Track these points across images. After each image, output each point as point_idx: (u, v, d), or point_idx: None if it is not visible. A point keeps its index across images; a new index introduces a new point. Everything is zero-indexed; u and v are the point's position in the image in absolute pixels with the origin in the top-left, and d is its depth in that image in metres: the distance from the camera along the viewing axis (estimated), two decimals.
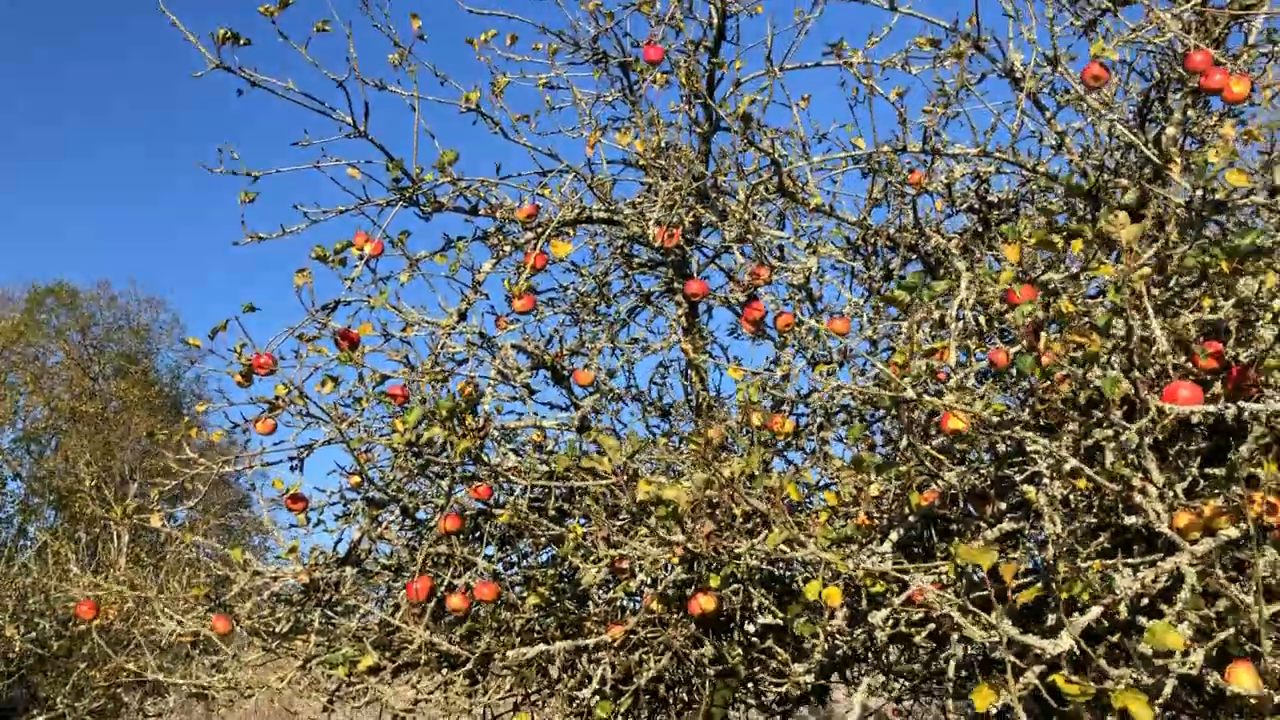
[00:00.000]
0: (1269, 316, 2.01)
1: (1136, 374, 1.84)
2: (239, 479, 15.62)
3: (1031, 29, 3.00)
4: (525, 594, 3.11)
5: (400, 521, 3.49)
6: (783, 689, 2.32)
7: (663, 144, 3.43)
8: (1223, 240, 1.98)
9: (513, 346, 3.23)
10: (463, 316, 3.45)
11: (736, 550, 2.22)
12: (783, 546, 2.03)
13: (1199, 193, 2.10)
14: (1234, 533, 1.95)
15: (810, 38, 3.59)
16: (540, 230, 3.38)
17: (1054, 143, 3.22)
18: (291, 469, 3.30)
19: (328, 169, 3.48)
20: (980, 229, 3.54)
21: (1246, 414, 1.86)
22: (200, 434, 3.50)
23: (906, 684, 4.77)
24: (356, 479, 3.46)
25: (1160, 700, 1.78)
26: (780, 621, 2.37)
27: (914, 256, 3.58)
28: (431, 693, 3.34)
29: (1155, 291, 2.44)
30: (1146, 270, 2.00)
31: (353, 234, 3.42)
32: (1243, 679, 1.71)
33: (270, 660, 3.41)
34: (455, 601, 2.88)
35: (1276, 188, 2.21)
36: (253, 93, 3.25)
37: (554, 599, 3.18)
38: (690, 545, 2.35)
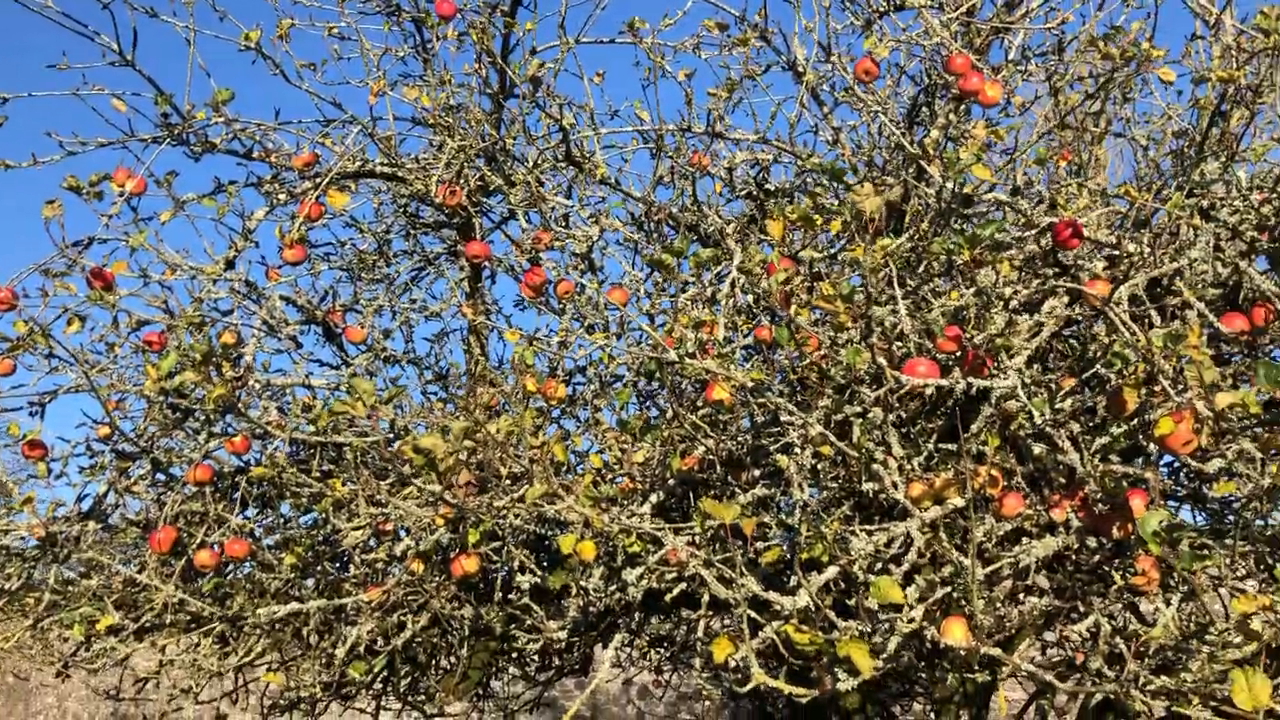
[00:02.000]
0: (1001, 304, 2.18)
1: (875, 340, 1.95)
2: None
3: (814, 23, 3.13)
4: (282, 555, 3.01)
5: (151, 476, 3.30)
6: (539, 646, 2.33)
7: (452, 102, 3.38)
8: (964, 231, 2.12)
9: (281, 298, 3.11)
10: (230, 264, 3.30)
11: (497, 505, 2.22)
12: (541, 501, 2.05)
13: (949, 185, 2.25)
14: (960, 502, 2.10)
15: (609, 13, 3.61)
16: (318, 180, 3.27)
17: (830, 137, 3.38)
18: (31, 414, 3.07)
19: (90, 98, 3.26)
20: (757, 215, 3.67)
21: (975, 389, 2.01)
22: None
23: (665, 653, 4.91)
24: (105, 429, 3.25)
25: (885, 654, 1.90)
26: (539, 581, 2.39)
27: (694, 237, 3.67)
28: (179, 655, 3.20)
29: (910, 282, 2.60)
30: (888, 242, 2.12)
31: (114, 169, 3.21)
32: (955, 633, 1.84)
33: None
34: (204, 558, 2.75)
35: (1018, 186, 2.39)
36: (8, 5, 3.00)
37: (313, 560, 3.10)
38: (448, 496, 2.33)
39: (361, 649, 2.83)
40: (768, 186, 3.68)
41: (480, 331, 3.73)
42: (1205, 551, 2.01)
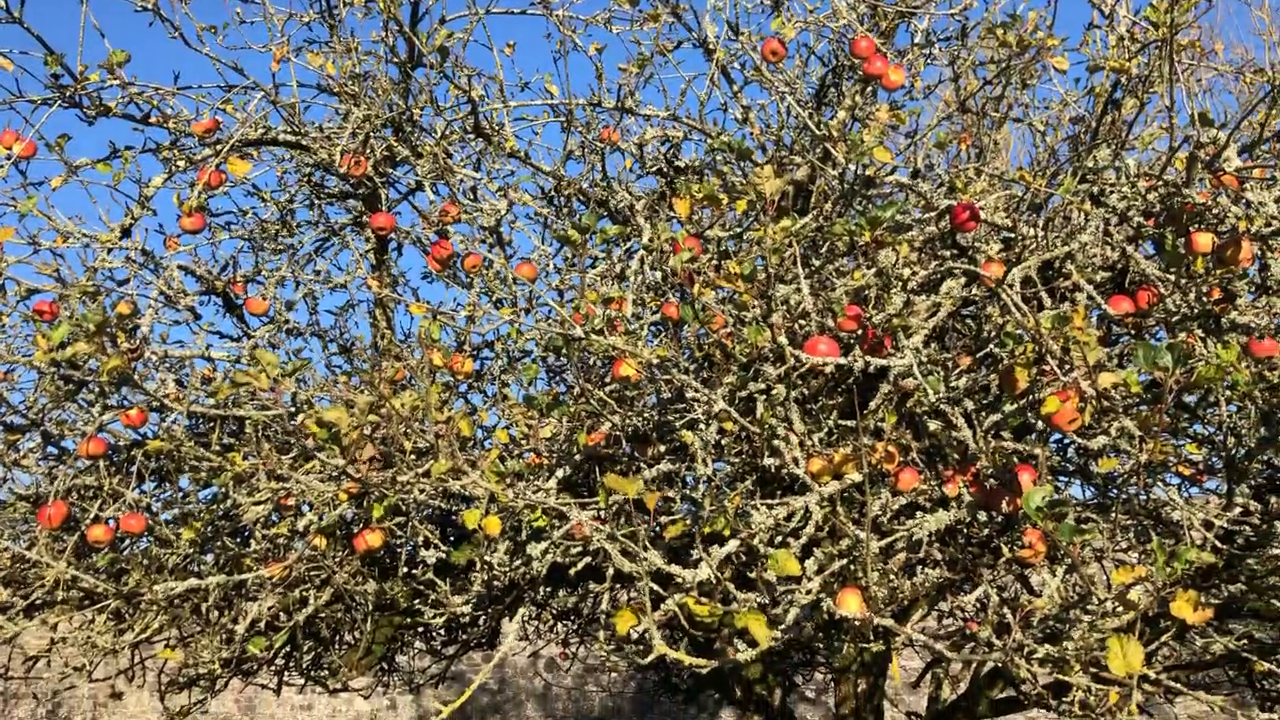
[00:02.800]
0: (899, 285, 2.23)
1: (777, 319, 1.98)
2: None
3: (723, 1, 3.15)
4: (180, 530, 2.95)
5: (42, 449, 3.20)
6: (444, 620, 2.33)
7: (358, 70, 3.32)
8: (865, 213, 2.17)
9: (180, 268, 3.03)
10: (126, 232, 3.20)
11: (401, 479, 2.21)
12: (446, 476, 2.04)
13: (852, 167, 2.29)
14: (857, 477, 2.16)
15: None
16: (219, 147, 3.19)
17: (739, 115, 3.40)
18: None
19: None
20: (667, 192, 3.69)
21: (873, 368, 2.06)
22: None
23: (572, 626, 4.94)
24: None
25: (783, 625, 1.95)
26: (444, 556, 2.39)
27: (605, 212, 3.68)
28: (72, 633, 3.12)
29: (815, 261, 2.65)
30: (790, 223, 2.16)
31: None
32: (850, 604, 1.90)
33: None
34: (97, 533, 2.68)
35: (918, 169, 2.45)
36: None
37: (212, 535, 3.04)
38: (351, 470, 2.31)
39: (263, 624, 2.80)
40: (678, 163, 3.70)
41: (386, 304, 3.69)
42: (1087, 525, 2.10)
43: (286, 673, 3.99)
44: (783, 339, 1.92)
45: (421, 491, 2.22)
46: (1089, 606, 1.94)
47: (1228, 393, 2.06)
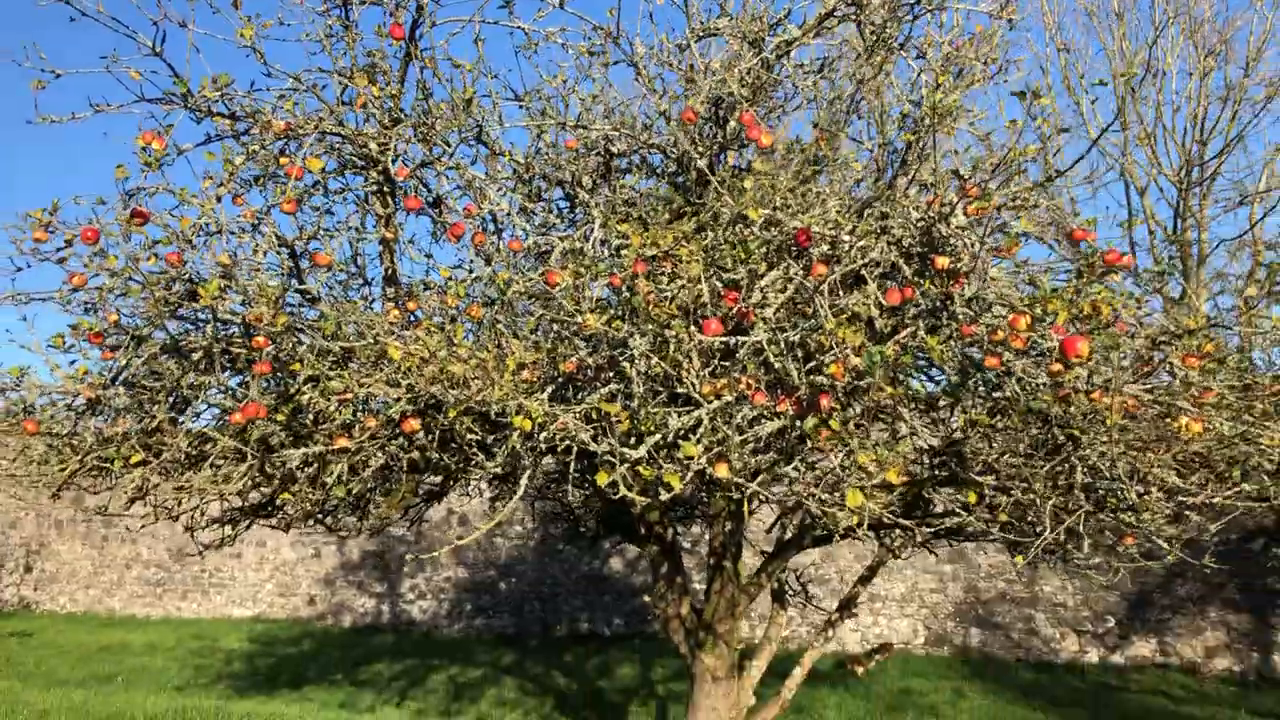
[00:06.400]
0: (758, 280, 3.76)
1: (684, 297, 3.50)
2: None
3: (663, 35, 4.56)
4: (276, 414, 4.37)
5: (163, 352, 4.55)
6: (476, 479, 3.85)
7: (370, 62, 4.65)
8: (743, 242, 3.68)
9: (274, 234, 4.37)
10: (219, 199, 4.51)
11: (452, 396, 3.69)
12: (475, 392, 3.53)
13: (735, 211, 3.79)
14: (731, 398, 3.71)
15: None
16: (289, 139, 4.50)
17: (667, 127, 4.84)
18: (86, 311, 4.26)
19: (116, 73, 4.34)
20: (605, 171, 5.13)
21: (739, 340, 3.60)
22: None
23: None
24: (114, 317, 4.46)
25: (684, 482, 3.51)
26: (477, 437, 3.90)
27: (559, 185, 5.10)
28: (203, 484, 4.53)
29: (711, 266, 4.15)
30: (686, 228, 3.65)
31: (134, 128, 4.33)
32: (722, 471, 3.47)
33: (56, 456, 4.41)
34: (237, 416, 4.09)
35: (776, 206, 3.95)
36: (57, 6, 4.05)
37: (294, 418, 4.47)
38: (416, 387, 3.77)
39: (342, 476, 4.27)
40: (613, 150, 5.13)
41: (391, 248, 5.07)
42: (856, 428, 3.71)
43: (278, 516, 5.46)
44: (679, 323, 3.44)
45: (464, 402, 3.70)
46: (849, 475, 3.56)
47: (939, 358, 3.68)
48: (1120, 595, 12.46)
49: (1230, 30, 17.23)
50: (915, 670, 12.08)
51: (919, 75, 4.47)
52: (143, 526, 5.46)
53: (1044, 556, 5.26)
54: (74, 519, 18.05)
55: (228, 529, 5.63)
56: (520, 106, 5.02)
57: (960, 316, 3.82)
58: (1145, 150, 17.91)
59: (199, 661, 12.97)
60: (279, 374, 4.35)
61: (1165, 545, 4.07)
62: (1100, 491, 3.92)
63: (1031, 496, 3.92)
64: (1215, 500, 3.97)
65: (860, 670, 11.95)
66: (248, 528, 5.75)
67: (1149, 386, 4.22)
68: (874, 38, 4.45)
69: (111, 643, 14.35)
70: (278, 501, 4.80)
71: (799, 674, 6.17)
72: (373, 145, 4.60)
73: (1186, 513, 4.34)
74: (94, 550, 17.90)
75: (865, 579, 6.23)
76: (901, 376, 3.84)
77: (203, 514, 5.33)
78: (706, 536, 12.44)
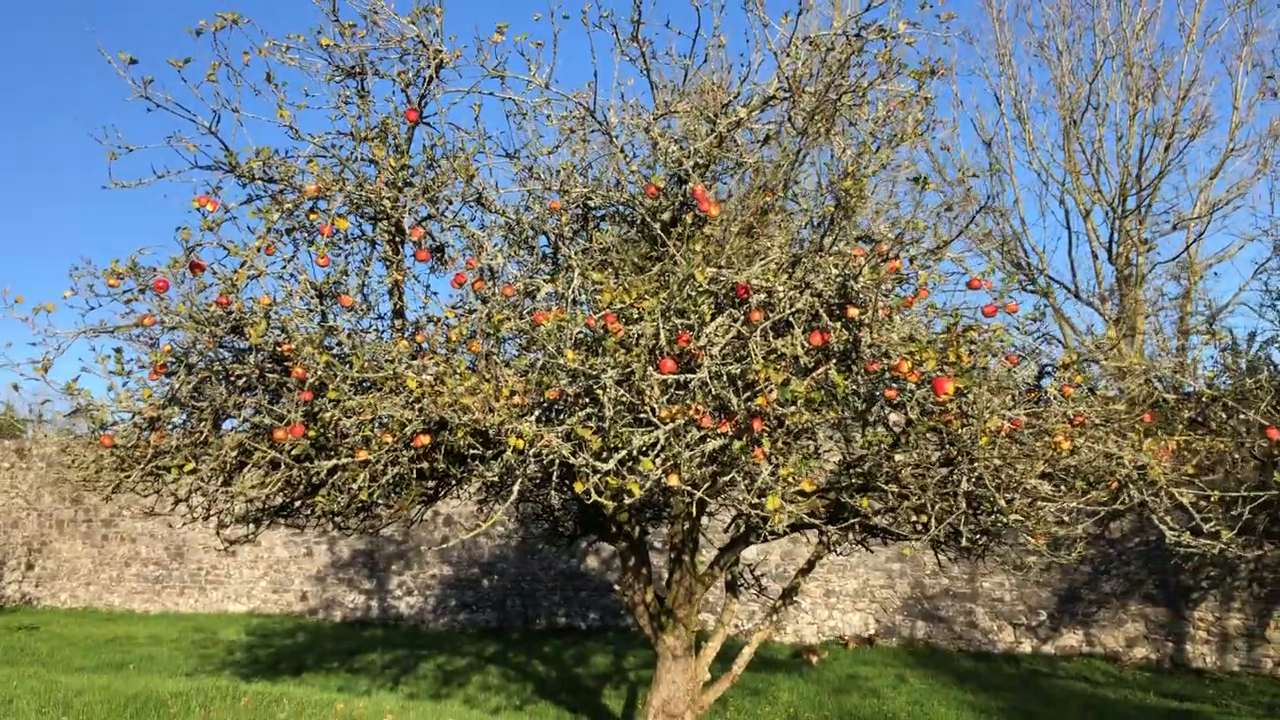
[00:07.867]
0: (707, 325, 4.67)
1: (646, 341, 4.42)
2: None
3: (622, 150, 5.49)
4: (308, 433, 5.26)
5: (210, 377, 5.43)
6: (475, 486, 4.76)
7: (380, 129, 5.56)
8: (693, 294, 4.60)
9: (309, 281, 5.27)
10: (258, 250, 5.40)
11: (461, 420, 4.59)
12: (480, 416, 4.43)
13: (688, 271, 4.71)
14: (682, 421, 4.62)
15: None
16: (318, 199, 5.40)
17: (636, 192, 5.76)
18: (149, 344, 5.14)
19: (174, 145, 5.23)
20: (583, 223, 6.05)
21: (691, 371, 4.53)
22: None
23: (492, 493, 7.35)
24: (168, 349, 5.35)
25: (645, 489, 4.43)
26: (478, 453, 4.80)
27: (544, 235, 6.02)
28: (247, 489, 5.42)
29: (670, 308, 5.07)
30: (649, 286, 4.58)
31: (184, 192, 5.22)
32: (674, 480, 4.39)
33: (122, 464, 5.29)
34: (280, 434, 4.97)
35: (720, 265, 4.87)
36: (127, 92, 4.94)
37: (321, 435, 5.36)
38: (428, 411, 4.69)
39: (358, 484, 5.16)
40: (591, 203, 6.05)
41: (400, 287, 5.97)
42: (783, 446, 4.64)
43: (320, 520, 6.36)
44: (641, 363, 4.36)
45: (469, 424, 4.61)
46: (774, 482, 4.49)
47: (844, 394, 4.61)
48: (1052, 590, 13.51)
49: (1165, 69, 18.37)
50: (864, 659, 13.08)
51: (844, 151, 5.42)
52: (184, 524, 6.33)
53: (964, 553, 6.21)
54: (75, 519, 18.84)
55: (251, 526, 6.52)
56: (512, 165, 5.94)
57: (866, 355, 4.76)
58: (1089, 177, 19.07)
59: (202, 652, 13.82)
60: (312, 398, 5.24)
61: (1033, 542, 5.02)
62: (978, 497, 4.87)
63: (923, 501, 4.86)
64: (1072, 505, 4.93)
65: (815, 659, 12.95)
66: (268, 527, 6.64)
67: (1032, 410, 5.21)
68: (806, 120, 5.38)
69: (117, 635, 15.16)
70: (314, 503, 5.68)
71: (747, 653, 7.12)
72: (386, 203, 5.51)
73: (1059, 516, 5.31)
74: (94, 549, 18.68)
75: (805, 571, 7.18)
76: (818, 405, 4.78)
77: (231, 515, 6.20)
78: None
